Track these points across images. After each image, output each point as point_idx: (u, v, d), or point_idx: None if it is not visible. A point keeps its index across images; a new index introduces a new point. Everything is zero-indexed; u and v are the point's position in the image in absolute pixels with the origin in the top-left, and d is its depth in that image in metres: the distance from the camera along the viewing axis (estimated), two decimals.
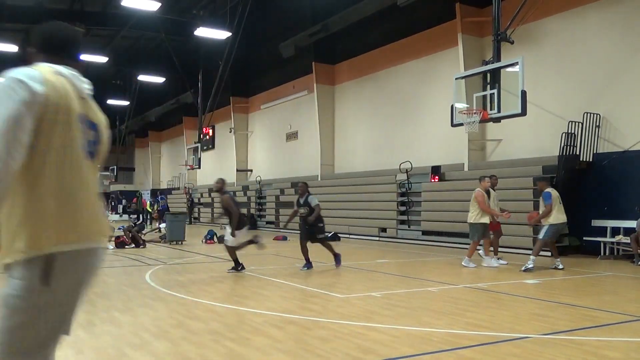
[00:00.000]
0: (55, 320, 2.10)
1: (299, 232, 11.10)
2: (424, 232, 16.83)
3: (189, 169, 30.15)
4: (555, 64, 14.73)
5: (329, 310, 6.56)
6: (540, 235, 10.43)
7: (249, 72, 29.83)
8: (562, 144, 13.34)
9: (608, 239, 12.60)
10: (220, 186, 10.33)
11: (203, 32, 21.52)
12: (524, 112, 10.89)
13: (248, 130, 30.49)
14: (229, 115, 30.44)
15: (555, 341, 5.09)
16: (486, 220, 10.81)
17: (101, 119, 2.31)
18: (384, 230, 18.42)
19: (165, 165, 43.92)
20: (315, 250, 10.80)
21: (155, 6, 19.26)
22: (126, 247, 15.10)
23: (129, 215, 35.12)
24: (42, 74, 2.05)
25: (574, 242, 13.40)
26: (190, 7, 25.62)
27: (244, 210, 27.18)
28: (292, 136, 26.14)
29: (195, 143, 27.33)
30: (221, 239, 17.28)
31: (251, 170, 30.02)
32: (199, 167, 27.39)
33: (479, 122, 12.06)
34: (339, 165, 23.07)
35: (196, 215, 34.09)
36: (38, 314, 2.02)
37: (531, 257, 10.18)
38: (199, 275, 9.81)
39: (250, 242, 10.52)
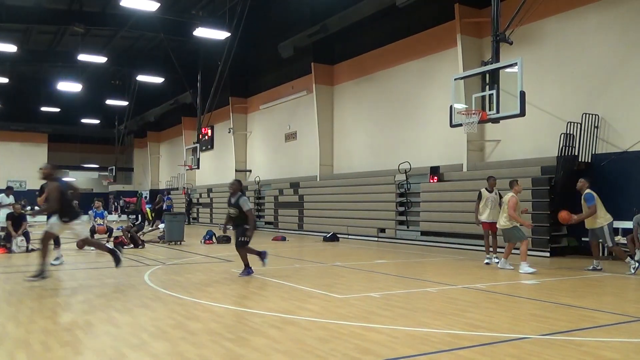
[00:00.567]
0: None
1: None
2: (423, 233, 16.83)
3: (187, 169, 30.13)
4: (554, 65, 14.74)
5: (327, 310, 6.56)
6: (609, 241, 10.25)
7: (248, 72, 29.83)
8: (561, 145, 13.36)
9: None
10: (48, 172, 9.11)
11: (202, 32, 21.50)
12: (522, 113, 10.90)
13: (247, 130, 30.49)
14: (228, 115, 30.43)
15: (553, 342, 5.10)
16: (517, 223, 10.47)
17: None
18: (382, 230, 18.43)
19: (164, 166, 43.88)
20: (316, 250, 10.79)
21: (154, 6, 19.23)
22: (125, 247, 15.08)
23: (128, 216, 35.07)
24: None
25: (572, 243, 13.43)
26: (189, 7, 25.60)
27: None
28: (291, 136, 26.14)
29: (194, 143, 27.31)
30: (220, 239, 17.33)
31: (250, 171, 30.02)
32: (198, 168, 27.37)
33: (477, 123, 12.06)
34: (338, 165, 23.08)
35: (195, 215, 34.10)
36: None
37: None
38: (197, 276, 9.81)
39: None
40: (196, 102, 28.07)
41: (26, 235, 13.95)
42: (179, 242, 16.84)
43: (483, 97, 11.88)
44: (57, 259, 11.11)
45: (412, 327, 5.66)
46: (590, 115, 13.55)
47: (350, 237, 19.39)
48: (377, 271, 10.58)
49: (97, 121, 42.75)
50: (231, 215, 9.75)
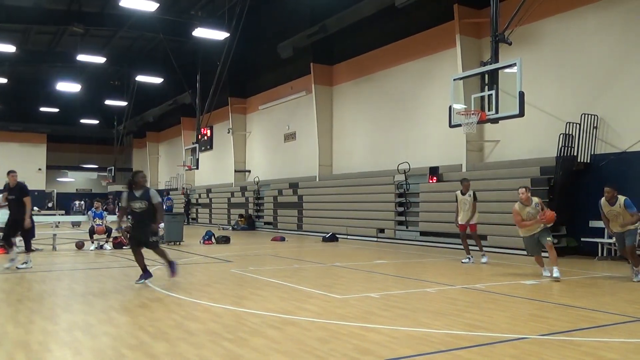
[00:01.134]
0: None
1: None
2: (422, 233, 16.83)
3: (187, 170, 30.12)
4: (553, 65, 14.76)
5: (327, 311, 6.56)
6: (631, 242, 9.25)
7: (247, 72, 29.83)
8: (560, 145, 13.37)
9: (605, 240, 12.62)
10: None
11: (201, 32, 21.51)
12: (521, 113, 10.90)
13: (246, 130, 30.49)
14: (227, 115, 30.43)
15: (552, 342, 5.10)
16: (523, 233, 9.68)
17: None
18: (382, 231, 18.43)
19: (163, 166, 43.87)
20: (316, 250, 10.79)
21: (153, 7, 19.23)
22: (124, 247, 15.07)
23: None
24: None
25: (571, 243, 13.44)
26: (189, 8, 25.60)
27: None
28: (290, 137, 26.14)
29: (193, 144, 27.29)
30: (219, 240, 17.34)
31: (249, 171, 30.02)
32: (197, 168, 27.37)
33: (476, 123, 12.07)
34: (337, 165, 23.09)
35: (194, 215, 34.09)
36: None
37: None
38: (196, 276, 9.81)
39: None
40: (195, 103, 28.04)
41: None
42: (177, 243, 16.84)
43: (482, 98, 11.89)
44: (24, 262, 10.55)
45: (412, 327, 5.66)
46: (589, 116, 13.56)
47: (349, 237, 19.39)
48: (376, 271, 10.58)
49: (96, 121, 42.75)
50: (136, 210, 8.58)
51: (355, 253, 14.49)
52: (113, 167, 41.36)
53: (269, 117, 28.03)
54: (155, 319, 6.07)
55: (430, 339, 5.15)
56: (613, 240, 12.38)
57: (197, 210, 33.94)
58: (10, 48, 25.23)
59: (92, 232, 14.99)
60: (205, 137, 26.83)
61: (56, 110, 39.14)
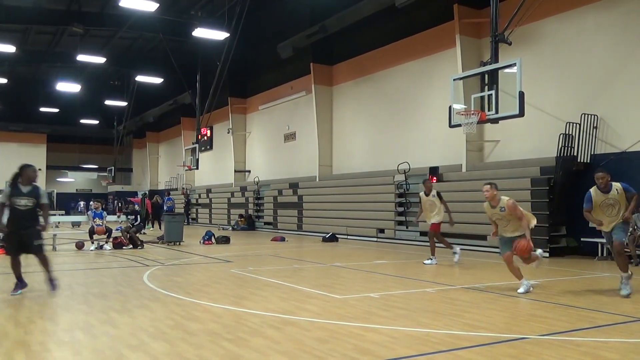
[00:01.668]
0: None
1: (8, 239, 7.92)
2: (422, 233, 16.80)
3: (187, 170, 30.13)
4: (552, 65, 14.75)
5: (326, 311, 6.56)
6: (625, 237, 8.28)
7: (247, 72, 29.83)
8: (560, 145, 13.37)
9: (605, 240, 12.60)
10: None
11: (201, 32, 21.51)
12: (521, 113, 10.91)
13: (246, 131, 30.48)
14: (227, 116, 30.42)
15: (552, 342, 5.10)
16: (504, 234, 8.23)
17: None
18: (381, 231, 18.43)
19: (163, 166, 43.85)
20: (315, 250, 10.79)
21: (153, 7, 19.23)
22: (124, 247, 15.09)
23: (127, 216, 35.03)
24: None
25: (571, 243, 13.44)
26: (188, 8, 25.58)
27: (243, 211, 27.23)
28: (290, 137, 26.14)
29: (193, 144, 27.31)
30: (219, 240, 17.33)
31: (249, 171, 30.02)
32: (197, 168, 27.37)
33: (476, 123, 12.07)
34: (337, 166, 23.09)
35: (194, 216, 34.08)
36: None
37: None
38: (196, 276, 9.81)
39: None
40: (195, 103, 28.07)
41: None
42: (177, 243, 16.84)
43: (482, 98, 11.89)
44: None
45: (411, 327, 5.66)
46: (589, 116, 13.56)
47: (349, 237, 19.39)
48: (376, 271, 10.58)
49: (96, 121, 42.74)
50: (20, 208, 7.51)
51: (355, 253, 14.49)
52: (113, 168, 41.37)
53: (269, 117, 28.03)
54: (155, 319, 6.07)
55: (430, 339, 5.15)
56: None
57: (197, 210, 33.94)
58: (10, 48, 25.23)
59: (92, 232, 15.00)
60: (205, 137, 26.85)
61: (56, 110, 39.12)
